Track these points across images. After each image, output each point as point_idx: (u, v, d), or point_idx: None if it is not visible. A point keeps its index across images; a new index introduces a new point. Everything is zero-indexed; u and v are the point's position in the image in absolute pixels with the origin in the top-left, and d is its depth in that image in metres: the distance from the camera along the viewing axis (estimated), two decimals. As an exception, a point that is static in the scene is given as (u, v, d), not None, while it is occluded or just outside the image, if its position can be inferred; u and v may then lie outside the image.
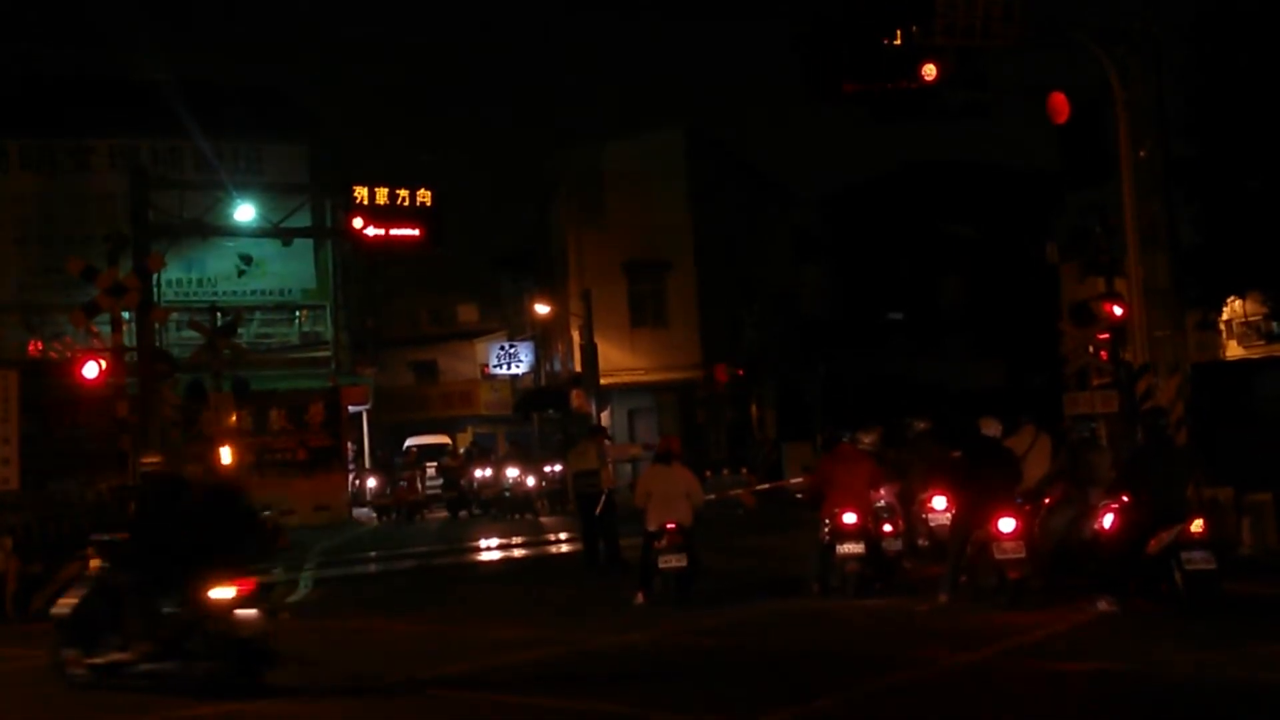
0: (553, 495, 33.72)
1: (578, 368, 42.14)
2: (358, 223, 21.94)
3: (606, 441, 19.60)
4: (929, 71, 16.41)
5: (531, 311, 52.78)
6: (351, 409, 40.61)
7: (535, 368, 55.05)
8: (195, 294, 39.54)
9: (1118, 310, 18.71)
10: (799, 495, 24.54)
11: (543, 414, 51.59)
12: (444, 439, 47.43)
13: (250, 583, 10.77)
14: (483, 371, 56.00)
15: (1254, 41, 25.20)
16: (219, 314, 30.90)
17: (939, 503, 16.76)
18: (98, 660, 11.24)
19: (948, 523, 15.59)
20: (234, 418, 26.78)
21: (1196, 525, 12.59)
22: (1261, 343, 29.55)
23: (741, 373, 39.11)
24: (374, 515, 35.81)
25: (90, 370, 18.41)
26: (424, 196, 22.30)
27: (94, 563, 12.22)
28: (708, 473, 30.40)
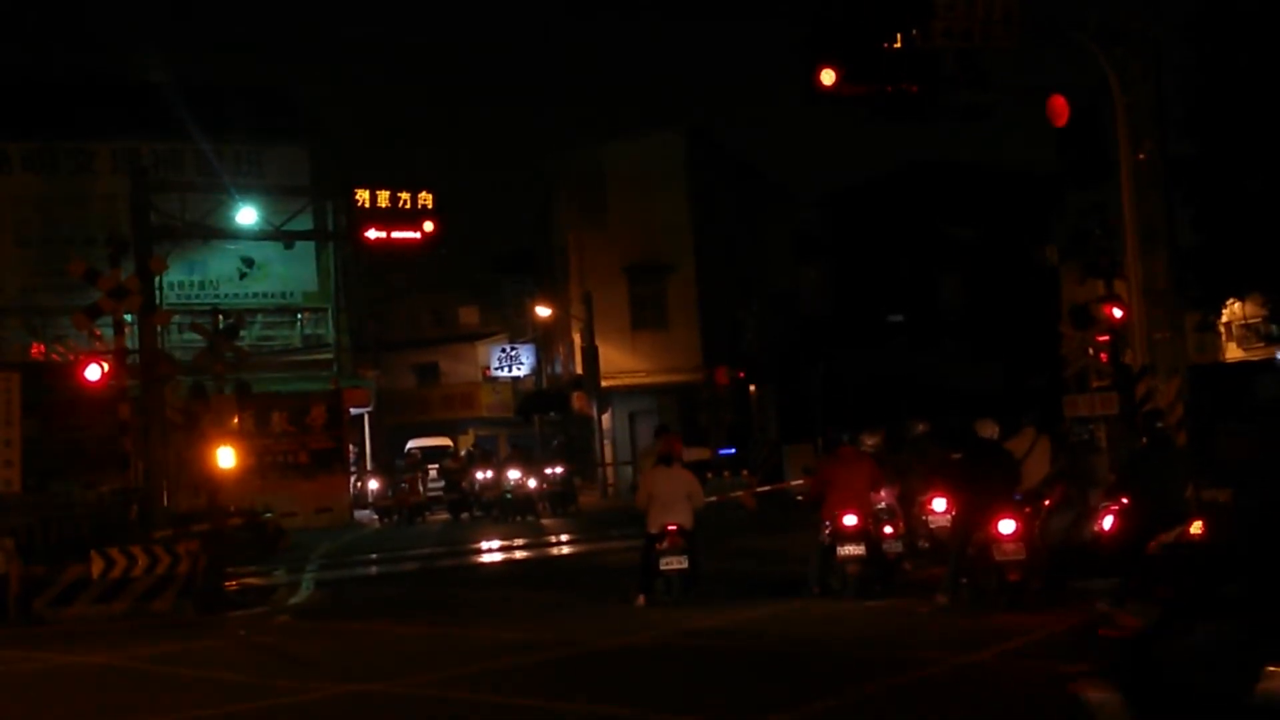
0: (554, 497, 33.76)
1: (579, 370, 42.20)
2: (359, 225, 21.98)
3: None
4: (929, 75, 16.45)
5: (532, 314, 52.84)
6: (353, 411, 40.67)
7: (536, 370, 55.12)
8: (197, 297, 39.59)
9: (1117, 312, 18.72)
10: (799, 497, 24.56)
11: (544, 416, 51.65)
12: (445, 441, 47.48)
13: None
14: (484, 374, 56.06)
15: (1254, 41, 25.23)
16: (221, 316, 30.93)
17: (939, 504, 16.78)
18: None
19: (948, 524, 15.62)
20: (236, 420, 26.84)
21: (1196, 527, 12.62)
22: (1261, 345, 29.58)
23: (742, 375, 39.16)
24: (375, 517, 35.85)
25: (92, 373, 18.42)
26: (425, 199, 22.33)
27: None
28: (709, 474, 30.42)
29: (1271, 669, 5.92)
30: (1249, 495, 7.95)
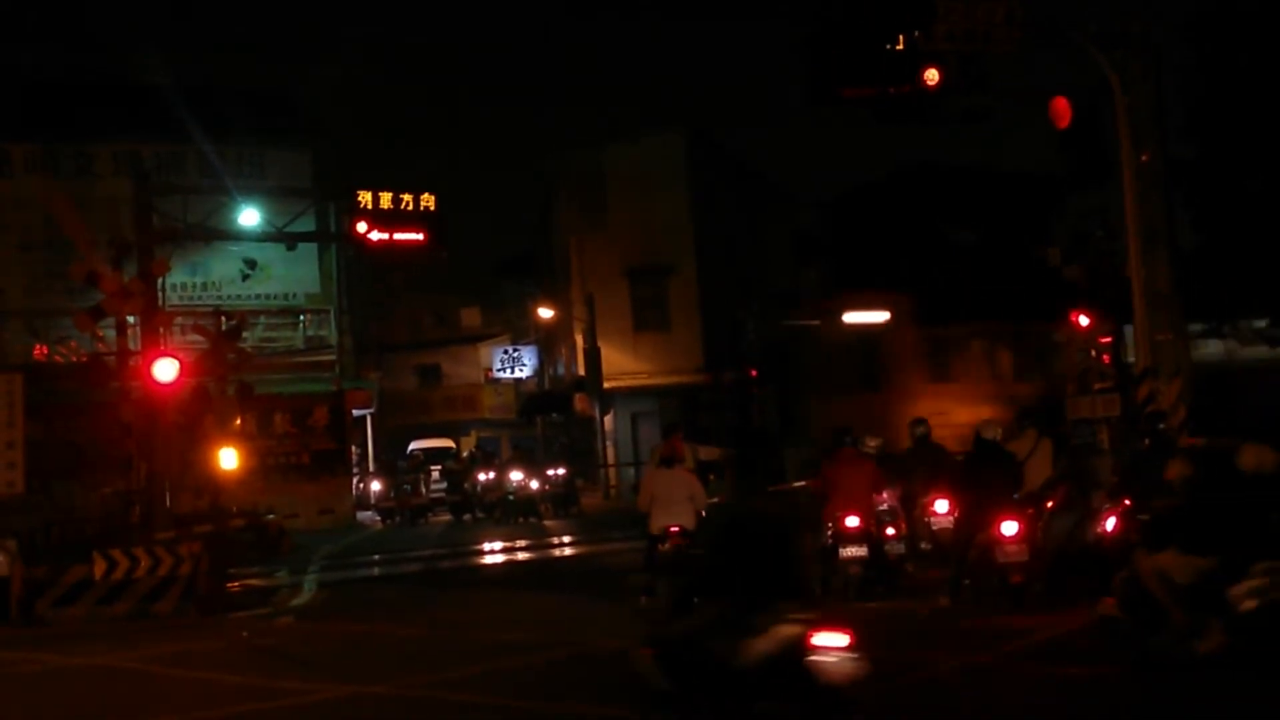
0: (556, 499, 33.77)
1: (581, 371, 42.19)
2: (361, 227, 21.96)
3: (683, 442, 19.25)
4: (931, 76, 16.46)
5: (534, 315, 52.86)
6: (355, 413, 40.67)
7: (538, 371, 55.13)
8: (200, 298, 39.59)
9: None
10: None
11: (546, 418, 51.64)
12: (448, 443, 47.49)
13: None
14: (486, 375, 56.06)
15: (1254, 42, 25.27)
16: (223, 318, 30.92)
17: (941, 506, 16.78)
18: None
19: (950, 526, 15.63)
20: (238, 421, 26.83)
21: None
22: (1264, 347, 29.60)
23: (755, 374, 39.16)
24: (378, 519, 35.86)
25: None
26: (427, 200, 22.32)
27: None
28: (711, 476, 30.40)
29: (748, 641, 7.71)
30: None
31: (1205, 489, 10.76)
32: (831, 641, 7.98)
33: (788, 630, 7.87)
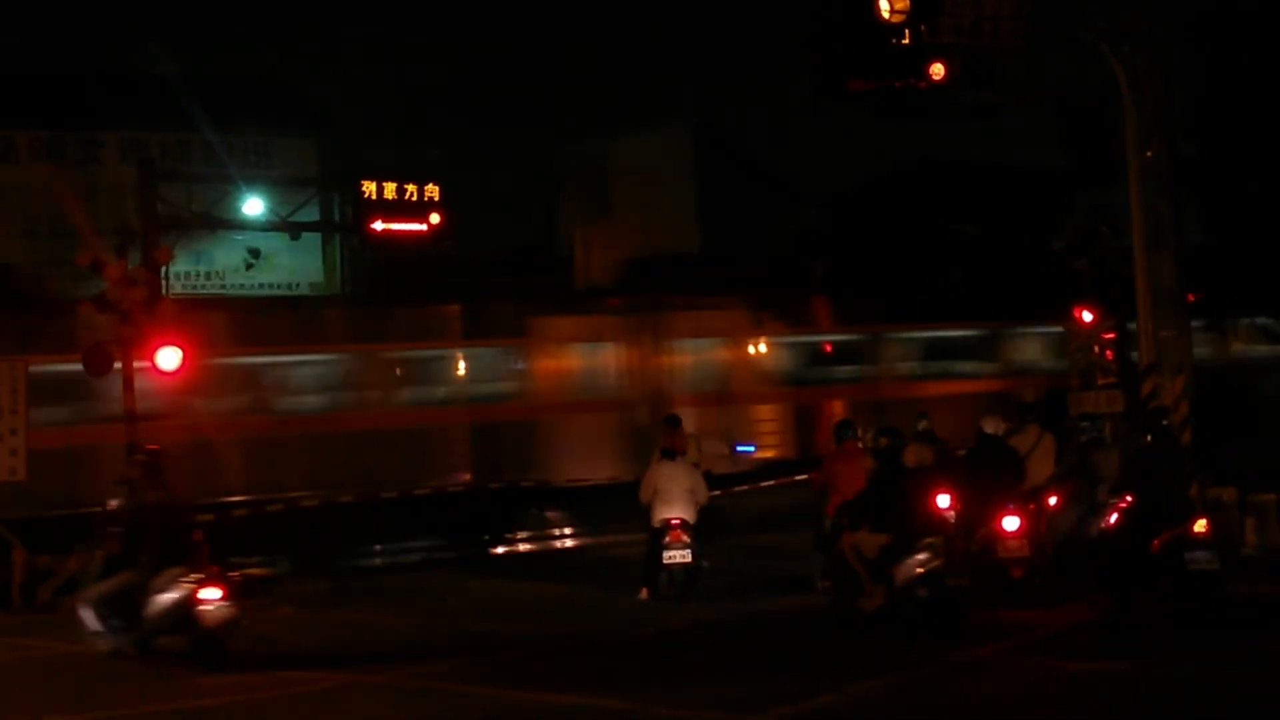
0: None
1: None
2: (365, 216, 22.00)
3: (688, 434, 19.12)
4: (937, 71, 16.37)
5: (538, 308, 52.69)
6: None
7: (542, 364, 54.98)
8: (203, 287, 39.47)
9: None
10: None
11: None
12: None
13: None
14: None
15: (1254, 41, 25.25)
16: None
17: (943, 501, 16.72)
18: None
19: (952, 520, 15.58)
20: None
21: (1199, 525, 12.63)
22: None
23: None
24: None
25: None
26: (432, 191, 22.40)
27: None
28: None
29: (154, 596, 11.85)
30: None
31: (884, 480, 13.09)
32: (211, 595, 11.74)
33: (181, 588, 11.77)
